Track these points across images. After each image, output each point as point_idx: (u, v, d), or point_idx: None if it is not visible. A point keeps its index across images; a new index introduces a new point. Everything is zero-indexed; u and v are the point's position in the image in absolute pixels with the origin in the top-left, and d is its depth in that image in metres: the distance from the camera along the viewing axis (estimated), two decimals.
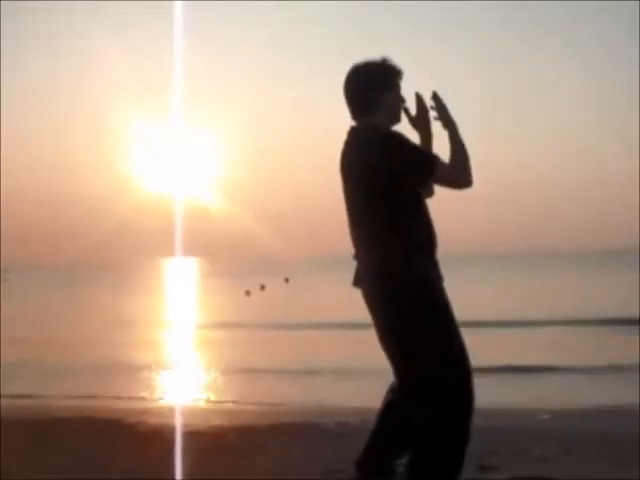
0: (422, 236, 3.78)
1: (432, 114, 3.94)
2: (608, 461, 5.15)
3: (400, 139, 3.77)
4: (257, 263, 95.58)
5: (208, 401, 11.12)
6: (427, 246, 3.80)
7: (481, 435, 4.08)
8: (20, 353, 16.40)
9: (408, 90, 3.94)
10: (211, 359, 16.28)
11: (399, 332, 3.73)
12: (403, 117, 3.96)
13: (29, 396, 10.72)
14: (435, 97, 3.91)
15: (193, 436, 6.16)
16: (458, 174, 3.81)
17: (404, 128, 3.92)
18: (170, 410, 9.08)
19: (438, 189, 3.94)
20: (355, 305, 4.35)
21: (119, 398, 10.95)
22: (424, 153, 3.86)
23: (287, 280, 52.05)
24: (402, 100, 3.93)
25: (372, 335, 3.87)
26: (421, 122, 3.98)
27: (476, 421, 3.72)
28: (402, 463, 3.86)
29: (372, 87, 3.83)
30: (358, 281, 3.86)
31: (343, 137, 3.92)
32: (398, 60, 3.86)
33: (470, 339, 3.80)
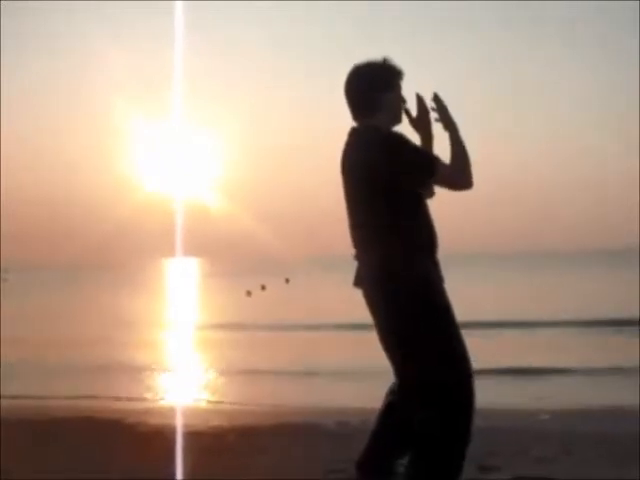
0: (422, 236, 3.78)
1: (433, 115, 3.94)
2: (608, 461, 5.16)
3: (401, 140, 3.77)
4: (258, 263, 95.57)
5: (208, 402, 11.12)
6: (428, 246, 3.80)
7: (481, 435, 4.08)
8: (20, 353, 16.41)
9: (408, 90, 3.94)
10: (211, 360, 16.28)
11: (399, 332, 3.73)
12: (404, 118, 3.96)
13: (29, 396, 10.72)
14: (436, 98, 3.91)
15: (193, 436, 6.16)
16: (458, 175, 3.81)
17: (405, 129, 3.93)
18: (170, 410, 9.08)
19: (438, 190, 3.94)
20: (356, 306, 4.36)
21: (119, 398, 10.94)
22: (425, 154, 3.86)
23: (287, 280, 52.06)
24: (403, 101, 3.93)
25: (372, 336, 3.87)
26: (422, 123, 3.98)
27: (476, 421, 3.72)
28: (403, 463, 3.86)
29: (373, 87, 3.83)
30: (359, 281, 3.86)
31: (343, 137, 3.92)
32: (398, 60, 3.87)
33: (469, 340, 3.80)
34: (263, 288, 44.15)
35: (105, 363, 14.87)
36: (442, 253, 3.84)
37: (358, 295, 3.88)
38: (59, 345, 18.77)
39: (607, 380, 11.95)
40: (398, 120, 3.92)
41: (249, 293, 39.76)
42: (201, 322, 25.49)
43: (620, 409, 8.49)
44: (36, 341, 19.46)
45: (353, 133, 3.91)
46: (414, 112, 3.98)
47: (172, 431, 6.32)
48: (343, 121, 3.94)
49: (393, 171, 3.70)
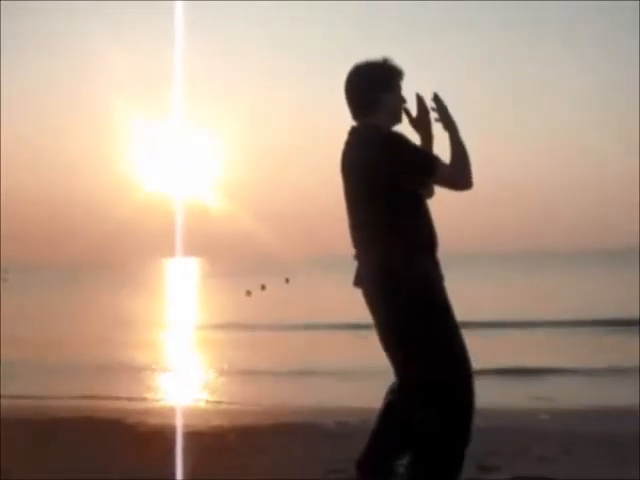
0: (422, 236, 3.78)
1: (433, 115, 3.94)
2: (608, 461, 5.16)
3: (401, 139, 3.77)
4: (257, 263, 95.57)
5: (208, 401, 11.12)
6: (428, 246, 3.80)
7: (481, 435, 4.08)
8: (20, 353, 16.40)
9: (408, 90, 3.94)
10: (211, 359, 16.27)
11: (400, 332, 3.73)
12: (404, 118, 3.96)
13: (29, 396, 10.72)
14: (436, 98, 3.91)
15: (193, 436, 6.16)
16: (458, 175, 3.81)
17: (405, 129, 3.93)
18: (170, 410, 9.08)
19: (438, 190, 3.94)
20: (356, 305, 4.36)
21: (119, 398, 10.94)
22: (425, 154, 3.86)
23: (287, 280, 52.13)
24: (403, 100, 3.93)
25: (372, 335, 3.87)
26: (422, 123, 3.98)
27: (476, 421, 3.72)
28: (402, 463, 3.86)
29: (373, 87, 3.83)
30: (359, 281, 3.86)
31: (343, 137, 3.93)
32: (398, 60, 3.87)
33: (469, 339, 3.81)
34: (263, 288, 44.19)
35: (105, 363, 14.86)
36: (442, 253, 3.85)
37: (358, 295, 3.88)
38: (59, 345, 18.77)
39: (607, 380, 11.95)
40: (398, 120, 3.92)
41: (249, 293, 39.80)
42: (201, 322, 25.48)
43: (620, 409, 8.49)
44: (36, 341, 19.45)
45: (353, 132, 3.91)
46: (414, 112, 3.98)
47: (172, 431, 6.32)
48: (343, 121, 3.94)
49: (393, 171, 3.71)
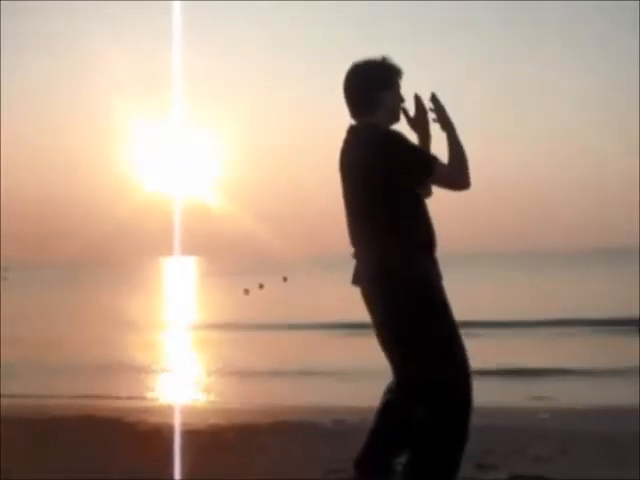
0: (421, 235, 3.78)
1: (431, 116, 3.94)
2: (606, 461, 5.16)
3: (399, 138, 3.77)
4: (256, 262, 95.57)
5: (206, 401, 11.12)
6: (426, 245, 3.80)
7: (479, 434, 4.09)
8: (20, 352, 16.40)
9: (408, 90, 3.95)
10: (209, 359, 16.27)
11: (398, 331, 3.74)
12: (402, 117, 3.96)
13: (28, 395, 10.72)
14: (434, 99, 3.91)
15: (192, 435, 6.16)
16: (456, 175, 3.81)
17: (403, 129, 3.93)
18: (169, 409, 9.08)
19: (438, 189, 3.94)
20: (353, 304, 4.36)
21: (118, 397, 10.94)
22: (423, 153, 3.87)
23: (285, 279, 52.27)
24: (401, 99, 3.93)
25: (370, 334, 3.88)
26: (420, 123, 3.98)
27: (474, 420, 3.73)
28: (401, 462, 3.86)
29: (372, 86, 3.83)
30: (357, 279, 3.87)
31: (343, 137, 3.93)
32: (398, 60, 3.87)
33: (469, 339, 3.81)
34: (261, 287, 44.33)
35: (104, 362, 14.86)
36: (441, 252, 3.85)
37: (356, 294, 3.88)
38: (58, 344, 18.76)
39: (607, 380, 11.94)
40: (396, 119, 3.92)
41: (247, 291, 39.89)
42: (199, 321, 25.47)
43: (620, 409, 8.49)
44: (36, 340, 19.45)
45: (351, 131, 3.91)
46: (412, 112, 3.98)
47: (171, 430, 6.33)
48: (343, 121, 3.95)
49: (391, 169, 3.71)
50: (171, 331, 22.93)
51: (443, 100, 3.91)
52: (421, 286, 3.71)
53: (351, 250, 3.89)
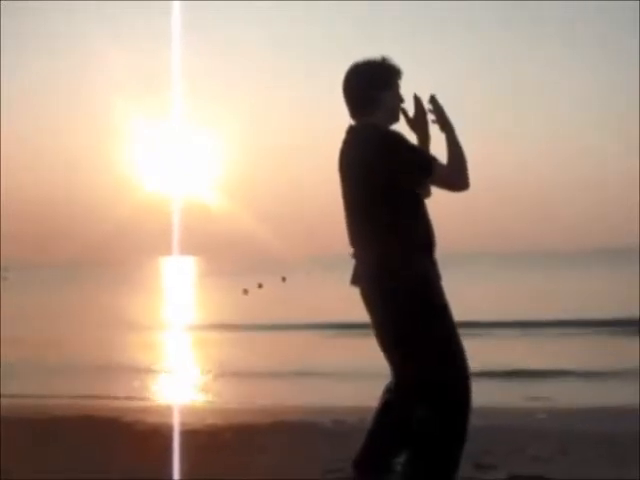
0: (421, 235, 3.78)
1: (430, 117, 3.94)
2: (605, 461, 5.16)
3: (399, 138, 3.77)
4: (255, 262, 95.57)
5: (206, 400, 11.12)
6: (426, 245, 3.80)
7: (478, 434, 4.09)
8: (19, 352, 16.39)
9: (408, 90, 3.95)
10: (208, 359, 16.27)
11: (398, 331, 3.74)
12: (401, 118, 3.96)
13: (28, 395, 10.72)
14: (433, 100, 3.92)
15: (191, 435, 6.16)
16: (455, 176, 3.81)
17: (402, 129, 3.93)
18: (168, 409, 9.08)
19: (438, 189, 3.94)
20: (352, 304, 4.36)
21: (117, 397, 10.94)
22: (422, 153, 3.87)
23: (284, 279, 52.36)
24: (401, 100, 3.94)
25: (369, 335, 3.88)
26: (419, 124, 3.98)
27: (473, 420, 3.73)
28: (399, 462, 3.87)
29: (372, 86, 3.84)
30: (356, 280, 3.87)
31: (342, 137, 3.93)
32: (398, 60, 3.88)
33: (468, 339, 3.81)
34: (260, 286, 44.41)
35: (103, 362, 14.86)
36: (442, 252, 3.85)
37: (355, 294, 3.88)
38: (58, 344, 18.76)
39: (606, 380, 11.94)
40: (396, 119, 3.93)
41: (246, 291, 39.94)
42: (198, 320, 25.47)
43: (619, 409, 8.49)
44: (35, 340, 19.45)
45: (351, 131, 3.91)
46: (411, 112, 3.99)
47: (170, 430, 6.33)
48: (343, 121, 3.95)
49: (391, 169, 3.71)
50: (170, 331, 22.92)
51: (442, 101, 3.91)
52: (421, 286, 3.71)
53: (350, 250, 3.89)
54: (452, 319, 3.75)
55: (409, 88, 3.95)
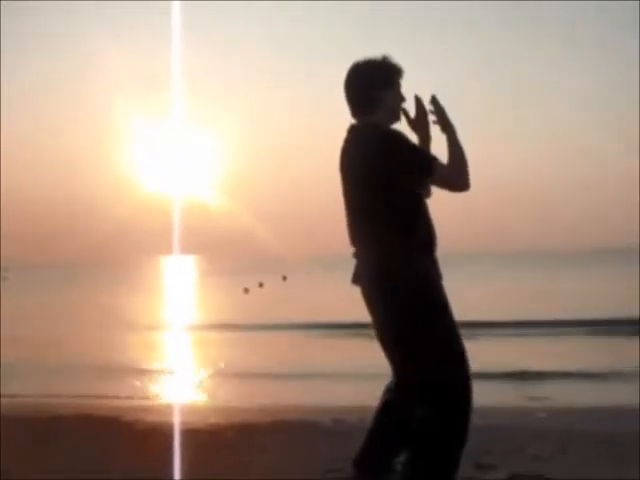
0: (421, 235, 3.79)
1: (431, 117, 3.95)
2: (606, 460, 5.16)
3: (399, 138, 3.78)
4: (256, 261, 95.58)
5: (206, 400, 11.13)
6: (426, 245, 3.80)
7: (478, 434, 4.09)
8: (19, 352, 16.39)
9: (408, 90, 3.95)
10: (208, 358, 16.26)
11: (398, 331, 3.74)
12: (402, 118, 3.97)
13: (28, 395, 10.72)
14: (434, 101, 3.92)
15: (191, 434, 6.16)
16: (456, 177, 3.82)
17: (403, 129, 3.93)
18: (168, 408, 9.08)
19: (438, 189, 3.94)
20: (353, 304, 4.36)
21: (117, 397, 10.94)
22: (423, 153, 3.87)
23: (285, 278, 52.42)
24: (402, 99, 3.94)
25: (369, 334, 3.88)
26: (420, 124, 3.99)
27: (473, 420, 3.73)
28: (399, 461, 3.87)
29: (372, 85, 3.84)
30: (357, 279, 3.87)
31: (343, 137, 3.93)
32: (398, 60, 3.87)
33: (468, 339, 3.81)
34: (261, 285, 44.47)
35: (103, 362, 14.86)
36: (442, 252, 3.85)
37: (355, 293, 3.88)
38: (58, 344, 18.75)
39: (606, 380, 11.93)
40: (397, 118, 3.93)
41: (247, 290, 39.97)
42: (198, 320, 25.47)
43: (619, 408, 8.48)
44: (35, 340, 19.44)
45: (352, 130, 3.91)
46: (412, 113, 3.99)
47: (170, 429, 6.33)
48: (343, 121, 3.95)
49: (391, 169, 3.71)
50: (170, 330, 22.92)
51: (443, 101, 3.92)
52: (421, 286, 3.72)
53: (351, 249, 3.89)
54: (453, 319, 3.75)
55: (409, 88, 3.95)
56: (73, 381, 12.60)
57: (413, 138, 3.94)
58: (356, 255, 3.87)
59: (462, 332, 3.76)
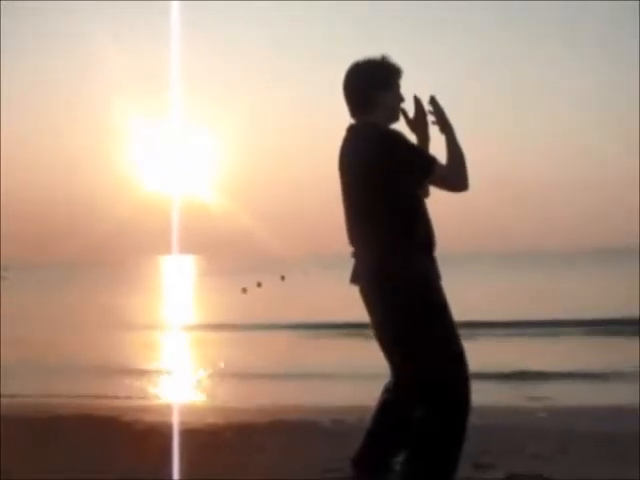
0: (420, 235, 3.79)
1: (430, 118, 3.95)
2: (606, 460, 5.15)
3: (398, 138, 3.78)
4: (254, 261, 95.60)
5: (205, 400, 11.12)
6: (425, 245, 3.80)
7: (477, 433, 4.09)
8: (19, 352, 16.39)
9: (408, 90, 3.95)
10: (207, 358, 16.25)
11: (397, 331, 3.74)
12: (401, 118, 3.96)
13: (27, 395, 10.71)
14: (433, 101, 3.92)
15: (190, 434, 6.16)
16: (455, 177, 3.82)
17: (402, 129, 3.93)
18: (167, 408, 9.08)
19: (436, 190, 3.94)
20: (351, 304, 4.36)
21: (116, 397, 10.94)
22: (422, 153, 3.87)
23: (283, 278, 52.49)
24: (401, 99, 3.94)
25: (368, 334, 3.88)
26: (419, 125, 3.99)
27: (472, 419, 3.73)
28: (398, 461, 3.87)
29: (372, 85, 3.84)
30: (356, 278, 3.87)
31: (342, 137, 3.93)
32: (398, 60, 3.88)
33: (468, 340, 3.81)
34: (259, 285, 44.51)
35: (102, 362, 14.86)
36: (441, 252, 3.85)
37: (354, 293, 3.88)
38: (58, 344, 18.76)
39: (606, 380, 11.93)
40: (396, 118, 3.93)
41: (245, 290, 40.01)
42: (197, 320, 25.48)
43: (619, 409, 8.48)
44: (35, 340, 19.44)
45: (351, 130, 3.91)
46: (411, 113, 3.99)
47: (169, 429, 6.33)
48: (343, 121, 3.95)
49: (390, 169, 3.71)
50: (169, 330, 22.92)
51: (442, 102, 3.92)
52: (421, 286, 3.71)
53: (350, 249, 3.89)
54: (452, 319, 3.75)
55: (409, 88, 3.96)
56: (73, 381, 12.60)
57: (412, 138, 3.94)
58: (355, 255, 3.87)
59: (462, 332, 3.76)
